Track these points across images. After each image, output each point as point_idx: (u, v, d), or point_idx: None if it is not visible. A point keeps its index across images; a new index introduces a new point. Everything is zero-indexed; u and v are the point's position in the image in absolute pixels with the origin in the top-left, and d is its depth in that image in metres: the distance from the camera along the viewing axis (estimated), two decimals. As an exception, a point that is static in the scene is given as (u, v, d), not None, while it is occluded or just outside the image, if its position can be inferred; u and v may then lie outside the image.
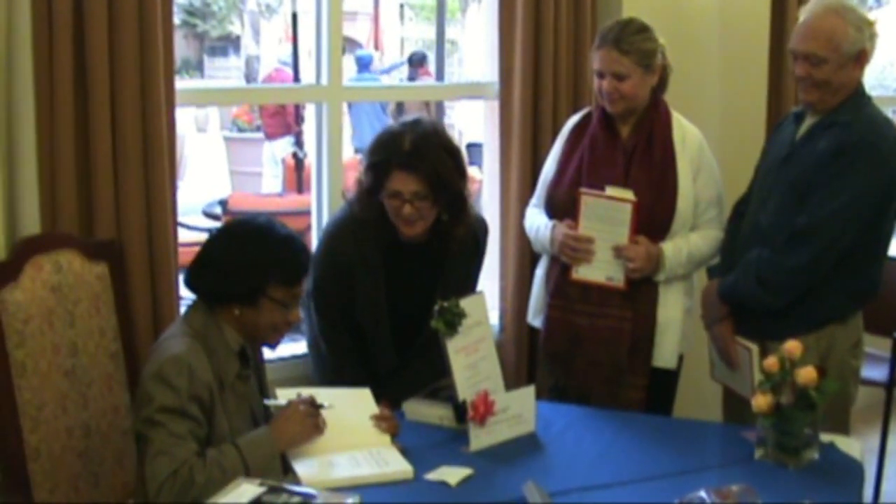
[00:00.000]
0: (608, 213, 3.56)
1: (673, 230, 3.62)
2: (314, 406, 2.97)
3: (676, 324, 3.67)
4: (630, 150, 3.65)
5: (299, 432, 2.90)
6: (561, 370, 3.74)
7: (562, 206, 3.69)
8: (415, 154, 3.32)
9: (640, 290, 3.62)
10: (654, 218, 3.59)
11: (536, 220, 3.79)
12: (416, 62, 13.91)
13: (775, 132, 3.70)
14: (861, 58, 3.34)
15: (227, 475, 2.70)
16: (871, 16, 3.43)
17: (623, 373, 3.65)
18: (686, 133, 3.70)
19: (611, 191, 3.57)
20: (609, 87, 3.58)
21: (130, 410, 3.31)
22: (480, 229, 3.68)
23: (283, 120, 11.47)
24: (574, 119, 3.87)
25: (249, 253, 2.91)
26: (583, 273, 3.62)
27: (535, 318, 3.89)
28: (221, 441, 2.83)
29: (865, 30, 3.33)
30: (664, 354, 3.67)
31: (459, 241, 3.51)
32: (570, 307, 3.67)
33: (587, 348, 3.66)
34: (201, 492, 2.64)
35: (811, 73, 3.35)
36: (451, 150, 3.42)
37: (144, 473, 2.75)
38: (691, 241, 3.65)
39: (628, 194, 3.55)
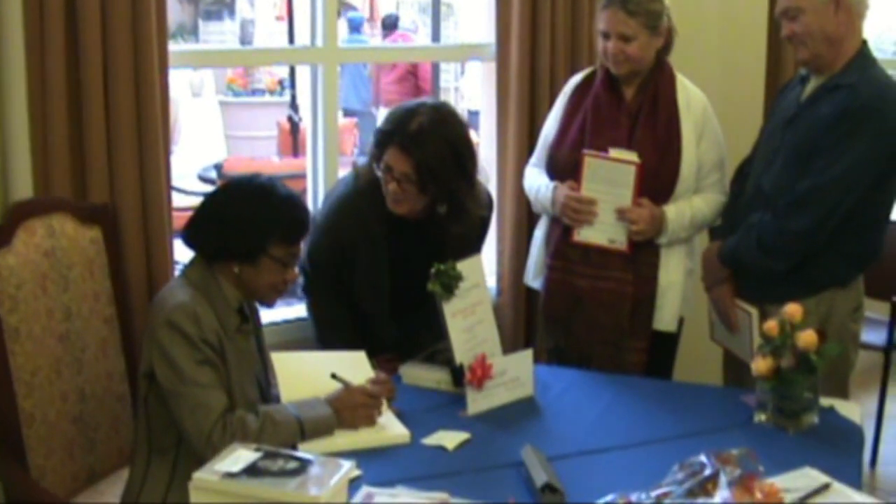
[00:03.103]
0: (611, 175, 3.53)
1: (676, 193, 3.59)
2: (374, 396, 2.95)
3: (677, 287, 3.65)
4: (634, 112, 3.62)
5: (352, 417, 2.89)
6: (560, 332, 3.73)
7: (564, 168, 3.66)
8: (416, 137, 3.28)
9: (642, 253, 3.60)
10: (658, 180, 3.56)
11: (537, 180, 3.76)
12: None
13: (781, 94, 3.66)
14: (840, 2, 3.28)
15: (279, 430, 2.76)
16: None
17: (624, 335, 3.63)
18: (690, 96, 3.67)
19: (615, 153, 3.55)
20: (615, 48, 3.53)
21: (126, 373, 3.34)
22: (487, 208, 3.65)
23: (412, 85, 11.37)
24: (576, 79, 3.83)
25: (252, 210, 2.90)
26: (584, 235, 3.60)
27: (534, 280, 3.87)
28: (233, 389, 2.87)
29: None
30: (665, 317, 3.65)
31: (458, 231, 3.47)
32: (571, 269, 3.65)
33: (588, 311, 3.64)
34: (256, 440, 2.65)
35: (794, 29, 3.33)
36: (456, 148, 3.34)
37: (184, 429, 2.78)
38: (694, 204, 3.62)
39: (632, 156, 3.53)
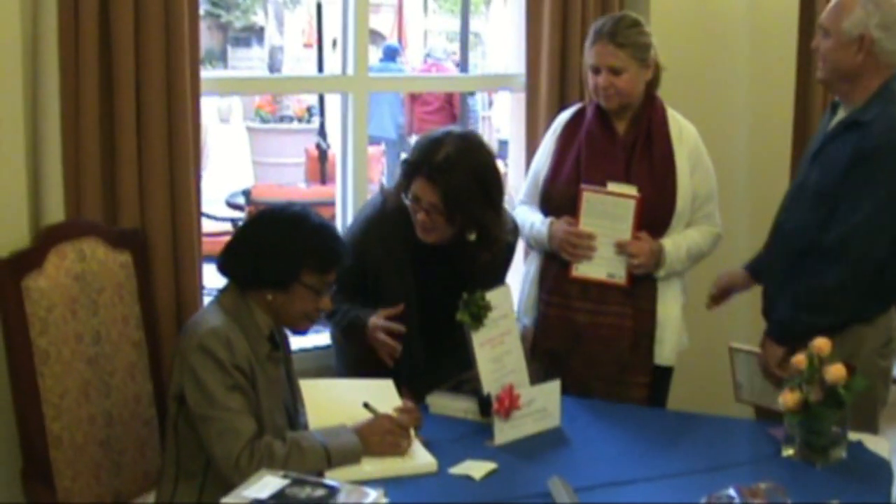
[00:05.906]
0: (610, 209, 3.53)
1: (672, 226, 3.60)
2: (401, 425, 2.96)
3: (675, 320, 3.64)
4: (629, 145, 3.62)
5: (380, 443, 2.89)
6: (557, 369, 3.68)
7: (559, 202, 3.65)
8: (442, 168, 3.27)
9: (640, 287, 3.60)
10: (655, 213, 3.57)
11: (529, 217, 3.74)
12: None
13: (821, 121, 3.64)
14: (864, 44, 3.25)
15: (306, 457, 2.77)
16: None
17: (624, 370, 3.62)
18: (682, 128, 3.67)
19: (613, 186, 3.55)
20: (605, 82, 3.54)
21: (153, 397, 3.36)
22: (512, 233, 3.63)
23: (448, 114, 11.57)
24: (565, 115, 3.83)
25: (285, 239, 2.92)
26: (583, 270, 3.59)
27: (524, 317, 3.81)
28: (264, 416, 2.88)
29: (874, 15, 3.23)
30: (664, 351, 3.64)
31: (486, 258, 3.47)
32: (569, 305, 3.63)
33: (587, 346, 3.62)
34: (283, 466, 2.66)
35: (819, 44, 3.34)
36: (482, 178, 3.33)
37: (213, 454, 2.79)
38: (689, 236, 3.63)
39: (632, 190, 3.53)
